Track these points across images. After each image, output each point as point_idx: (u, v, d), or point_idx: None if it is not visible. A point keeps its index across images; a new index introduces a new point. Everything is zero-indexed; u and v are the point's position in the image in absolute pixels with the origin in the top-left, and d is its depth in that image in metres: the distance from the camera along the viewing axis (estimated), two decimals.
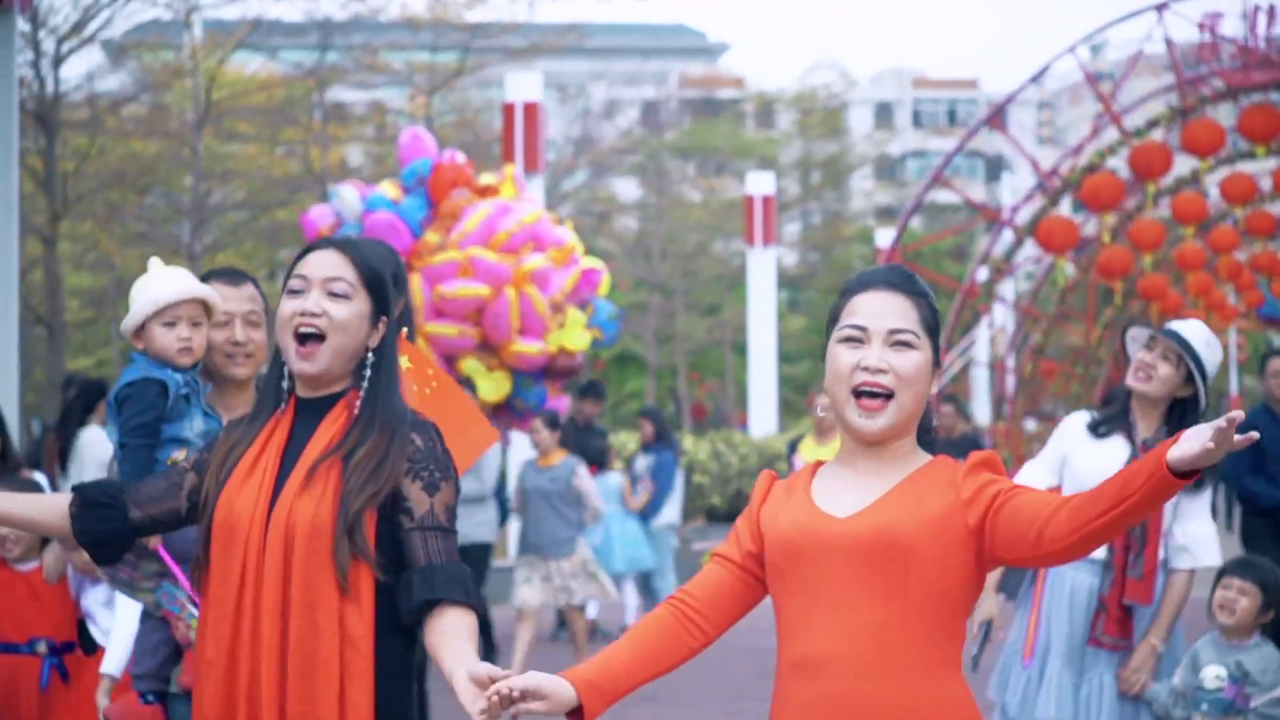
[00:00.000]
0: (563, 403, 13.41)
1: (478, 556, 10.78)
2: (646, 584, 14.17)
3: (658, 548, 14.07)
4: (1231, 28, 19.04)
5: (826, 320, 3.37)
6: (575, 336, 11.82)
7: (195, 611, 4.21)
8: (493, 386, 11.54)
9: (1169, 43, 18.29)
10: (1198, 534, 5.77)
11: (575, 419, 13.19)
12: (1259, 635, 5.69)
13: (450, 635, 3.35)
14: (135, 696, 4.63)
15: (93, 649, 6.15)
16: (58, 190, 18.96)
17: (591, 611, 13.88)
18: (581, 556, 11.44)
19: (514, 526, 15.37)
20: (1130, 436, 5.71)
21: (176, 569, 4.34)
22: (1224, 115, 19.64)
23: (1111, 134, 19.87)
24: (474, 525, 10.78)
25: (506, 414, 12.19)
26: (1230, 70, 18.00)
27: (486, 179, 12.06)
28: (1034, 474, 5.90)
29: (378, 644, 3.40)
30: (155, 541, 4.32)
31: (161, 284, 4.58)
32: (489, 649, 11.31)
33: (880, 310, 3.24)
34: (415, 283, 11.15)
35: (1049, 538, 3.08)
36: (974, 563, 3.21)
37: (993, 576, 6.01)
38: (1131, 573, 5.67)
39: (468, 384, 11.08)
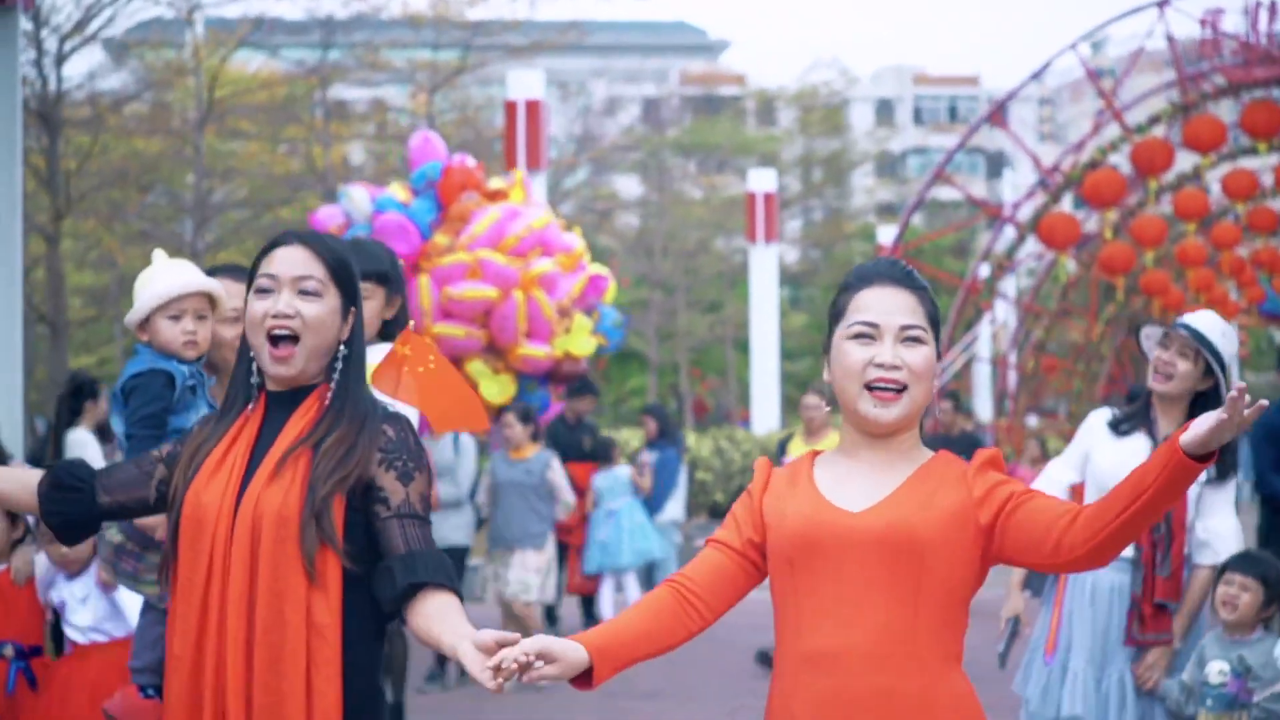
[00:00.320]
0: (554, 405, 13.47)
1: (455, 560, 10.76)
2: (649, 578, 14.19)
3: (661, 544, 14.10)
4: (1233, 24, 19.06)
5: (828, 314, 3.39)
6: (581, 342, 11.84)
7: None
8: (498, 389, 11.56)
9: (1170, 39, 18.31)
10: (1219, 529, 5.77)
11: (566, 416, 13.21)
12: (1262, 630, 5.70)
13: (440, 614, 3.32)
14: (136, 690, 4.63)
15: (60, 652, 6.14)
16: (60, 188, 18.98)
17: (607, 613, 13.92)
18: (549, 554, 11.34)
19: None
20: (1152, 434, 5.72)
21: None
22: (1225, 111, 19.66)
23: (1113, 130, 19.89)
24: (451, 529, 10.77)
25: (534, 420, 12.22)
26: (1232, 66, 18.01)
27: (496, 183, 12.08)
28: (1057, 472, 5.91)
29: (345, 634, 3.37)
30: (162, 533, 4.32)
31: (166, 277, 4.58)
32: (440, 670, 11.24)
33: (889, 307, 3.26)
34: (424, 284, 11.16)
35: (1066, 546, 3.11)
36: (980, 560, 3.24)
37: (1017, 574, 6.03)
38: (1160, 571, 5.68)
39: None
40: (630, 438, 23.18)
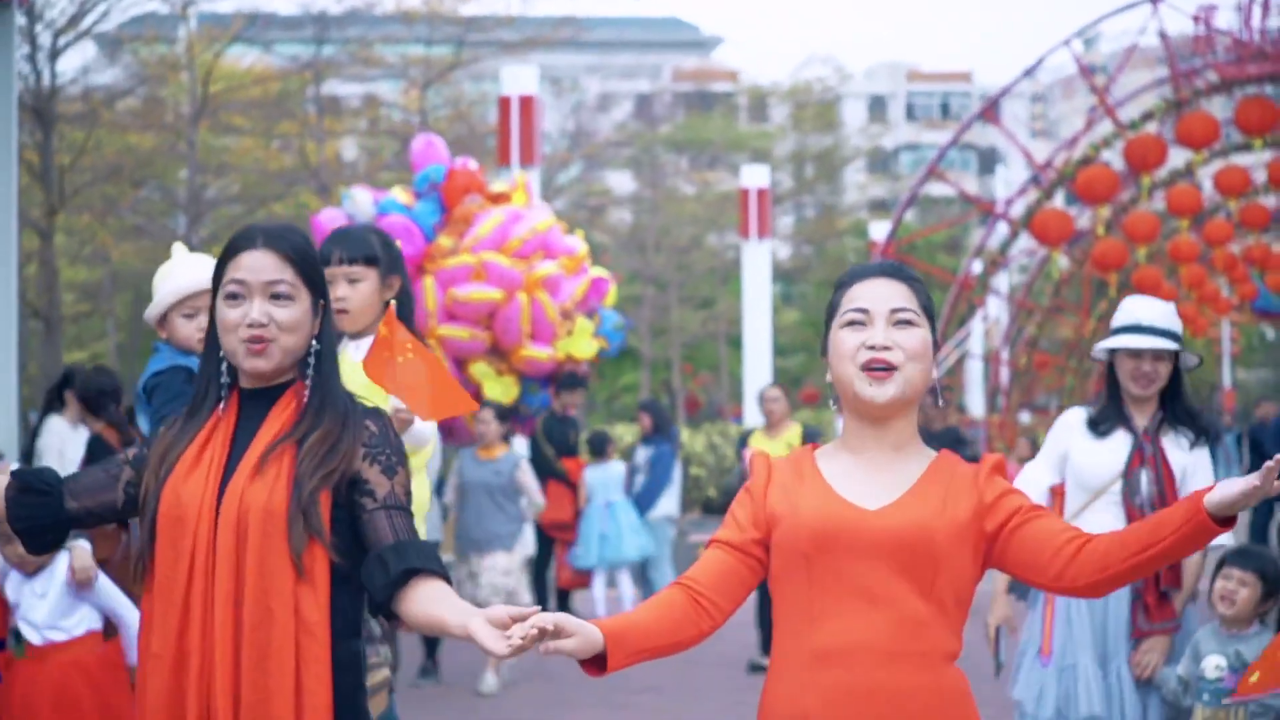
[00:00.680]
0: (569, 410, 13.49)
1: None
2: (643, 575, 14.21)
3: (655, 539, 14.12)
4: (1226, 20, 19.11)
5: (824, 316, 3.44)
6: (583, 344, 11.85)
7: None
8: (502, 390, 11.56)
9: (1164, 35, 18.34)
10: None
11: (555, 409, 13.22)
12: (1258, 624, 5.72)
13: (439, 598, 3.31)
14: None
15: (22, 649, 6.11)
16: (54, 184, 18.98)
17: (601, 611, 13.94)
18: (521, 554, 11.15)
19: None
20: (1132, 429, 5.74)
21: None
22: (1217, 108, 19.69)
23: (1105, 127, 19.92)
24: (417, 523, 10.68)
25: (510, 419, 12.22)
26: (1224, 63, 18.05)
27: (498, 186, 12.10)
28: (1036, 474, 5.90)
29: (332, 631, 3.36)
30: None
31: (181, 273, 4.58)
32: (433, 665, 11.23)
33: (881, 294, 3.34)
34: (429, 286, 11.17)
35: (1071, 575, 3.20)
36: (982, 562, 3.32)
37: (1001, 579, 6.03)
38: None
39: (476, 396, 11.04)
40: (624, 433, 23.21)
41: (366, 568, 3.39)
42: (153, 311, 4.55)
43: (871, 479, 3.31)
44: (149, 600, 3.40)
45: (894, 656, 3.21)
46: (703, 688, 10.88)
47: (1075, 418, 5.86)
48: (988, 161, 61.90)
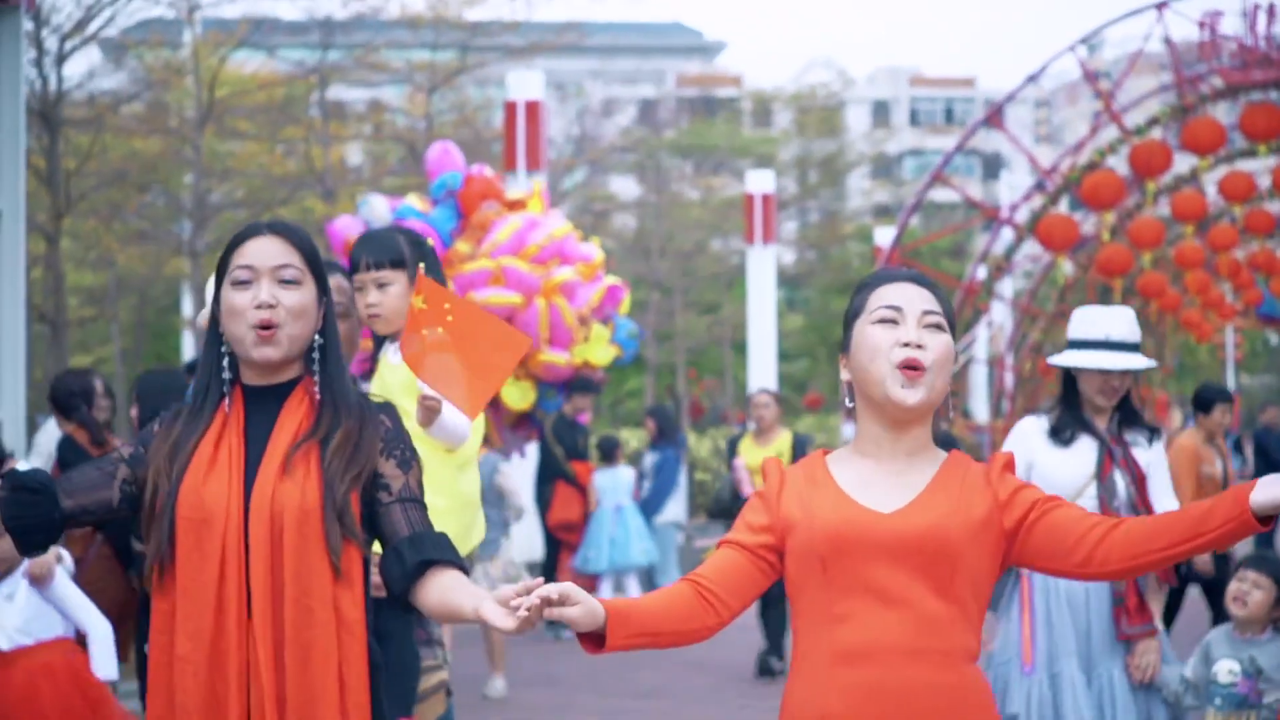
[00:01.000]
0: (584, 417, 13.50)
1: None
2: (650, 581, 14.23)
3: (661, 544, 14.14)
4: (1231, 26, 19.10)
5: (846, 316, 3.43)
6: (599, 351, 11.87)
7: None
8: (520, 395, 11.57)
9: (1169, 41, 18.34)
10: (1168, 502, 5.80)
11: (565, 413, 13.24)
12: (1272, 630, 5.72)
13: (455, 585, 3.33)
14: None
15: None
16: (61, 188, 18.98)
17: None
18: (504, 559, 11.09)
19: None
20: (1097, 436, 5.73)
21: None
22: (1222, 113, 19.70)
23: (1111, 132, 19.92)
24: None
25: (526, 425, 12.23)
26: (1230, 69, 18.05)
27: (515, 193, 12.13)
28: None
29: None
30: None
31: None
32: None
33: (910, 296, 3.34)
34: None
35: (1099, 560, 3.22)
36: (1001, 560, 3.33)
37: None
38: None
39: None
40: (629, 438, 23.22)
41: (384, 561, 3.41)
42: (203, 316, 4.60)
43: (885, 483, 3.32)
44: (166, 602, 3.38)
45: (915, 656, 3.22)
46: (707, 693, 10.88)
47: (1033, 427, 5.82)
48: (992, 167, 61.89)
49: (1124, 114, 18.95)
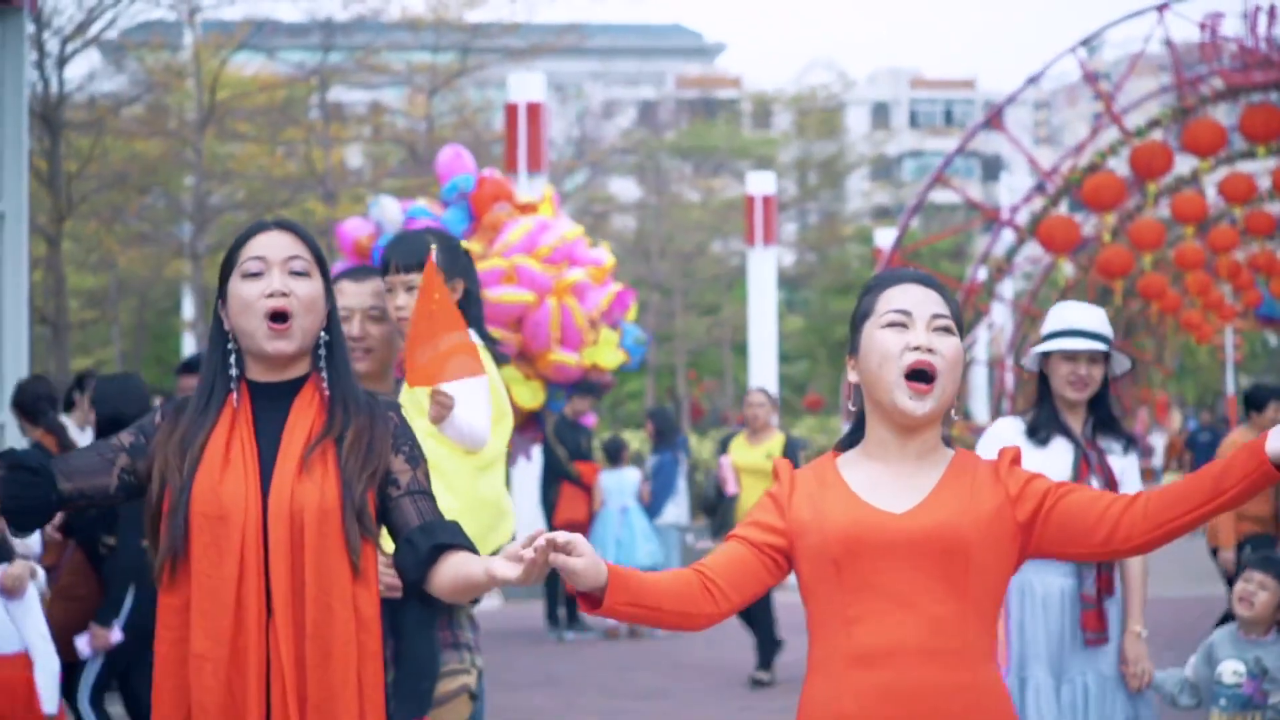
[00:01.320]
0: (590, 419, 13.50)
1: None
2: None
3: (664, 547, 14.16)
4: (1232, 28, 19.12)
5: (853, 318, 3.42)
6: (608, 354, 11.87)
7: None
8: (530, 394, 11.57)
9: (1169, 42, 18.36)
10: None
11: (567, 414, 13.25)
12: (1276, 631, 5.72)
13: (467, 560, 3.35)
14: None
15: None
16: (62, 190, 18.99)
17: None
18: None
19: None
20: (1071, 437, 5.72)
21: None
22: (1222, 115, 19.71)
23: (1111, 133, 19.93)
24: None
25: (532, 428, 12.22)
26: (1230, 70, 18.06)
27: (526, 197, 12.17)
28: None
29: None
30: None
31: None
32: None
33: (920, 298, 3.33)
34: None
35: (1121, 536, 3.20)
36: (1017, 556, 3.31)
37: None
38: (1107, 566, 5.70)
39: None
40: (629, 439, 23.23)
41: (397, 552, 3.43)
42: None
43: (895, 484, 3.31)
44: (177, 598, 3.38)
45: (930, 656, 3.21)
46: (708, 695, 10.89)
47: (1010, 428, 5.80)
48: (991, 168, 61.93)
49: (1124, 115, 18.96)
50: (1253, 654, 5.65)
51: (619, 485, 13.61)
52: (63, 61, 19.28)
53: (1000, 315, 26.78)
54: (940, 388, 3.28)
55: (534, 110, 16.98)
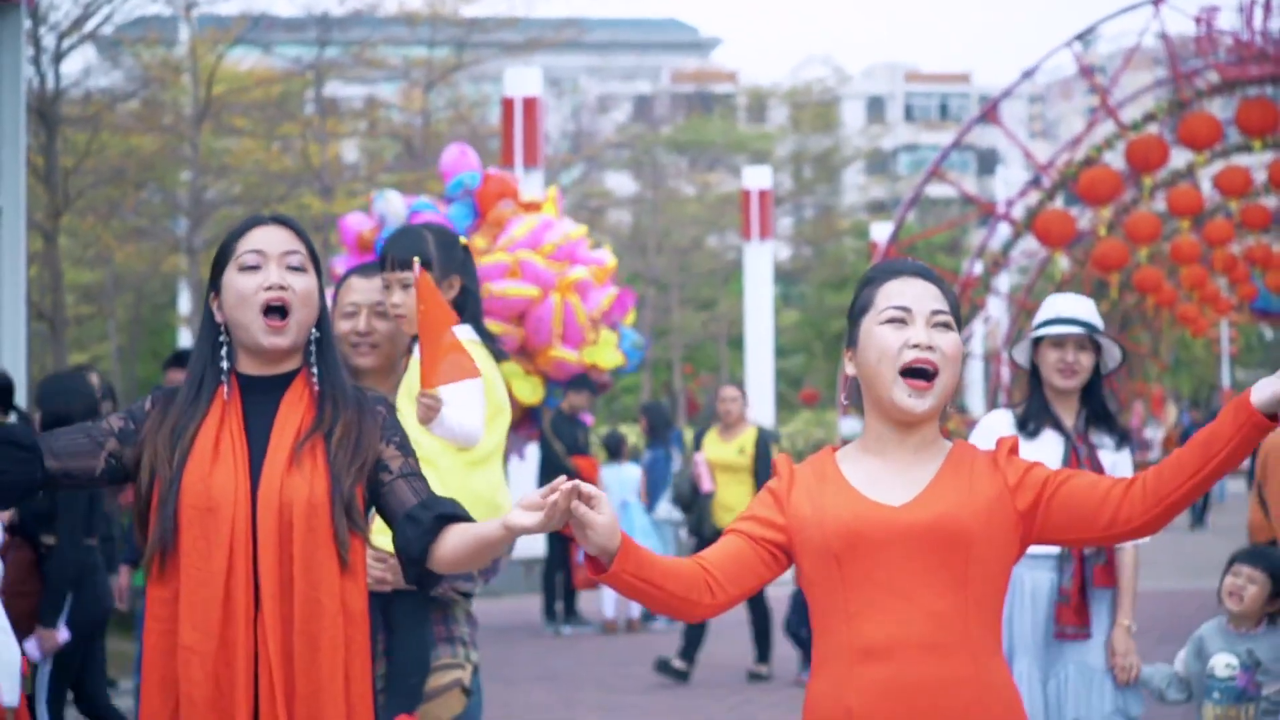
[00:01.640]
0: (588, 418, 13.51)
1: None
2: None
3: (661, 541, 14.18)
4: (1228, 21, 19.14)
5: (851, 310, 3.40)
6: (608, 354, 11.89)
7: None
8: (530, 389, 11.60)
9: (1165, 36, 18.38)
10: None
11: (564, 409, 13.27)
12: (1268, 624, 5.73)
13: (470, 526, 3.36)
14: None
15: None
16: (59, 185, 18.99)
17: (609, 611, 14.00)
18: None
19: None
20: (1060, 429, 5.73)
21: None
22: (1218, 109, 19.72)
23: (1107, 127, 19.96)
24: None
25: (528, 424, 12.24)
26: (1226, 64, 18.09)
27: (530, 196, 12.19)
28: None
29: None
30: None
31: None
32: None
33: (918, 293, 3.31)
34: None
35: (1124, 517, 3.19)
36: (1019, 545, 3.31)
37: None
38: (1097, 560, 5.71)
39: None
40: (626, 434, 23.24)
41: (399, 530, 3.42)
42: None
43: (893, 478, 3.31)
44: (166, 590, 3.38)
45: (935, 649, 3.21)
46: (707, 690, 10.91)
47: (1002, 420, 5.81)
48: (987, 162, 61.95)
49: (1120, 109, 18.98)
50: (1244, 646, 5.65)
51: (619, 480, 13.63)
52: (59, 57, 19.25)
53: (996, 309, 26.81)
54: (940, 385, 3.28)
55: (530, 105, 17.00)
